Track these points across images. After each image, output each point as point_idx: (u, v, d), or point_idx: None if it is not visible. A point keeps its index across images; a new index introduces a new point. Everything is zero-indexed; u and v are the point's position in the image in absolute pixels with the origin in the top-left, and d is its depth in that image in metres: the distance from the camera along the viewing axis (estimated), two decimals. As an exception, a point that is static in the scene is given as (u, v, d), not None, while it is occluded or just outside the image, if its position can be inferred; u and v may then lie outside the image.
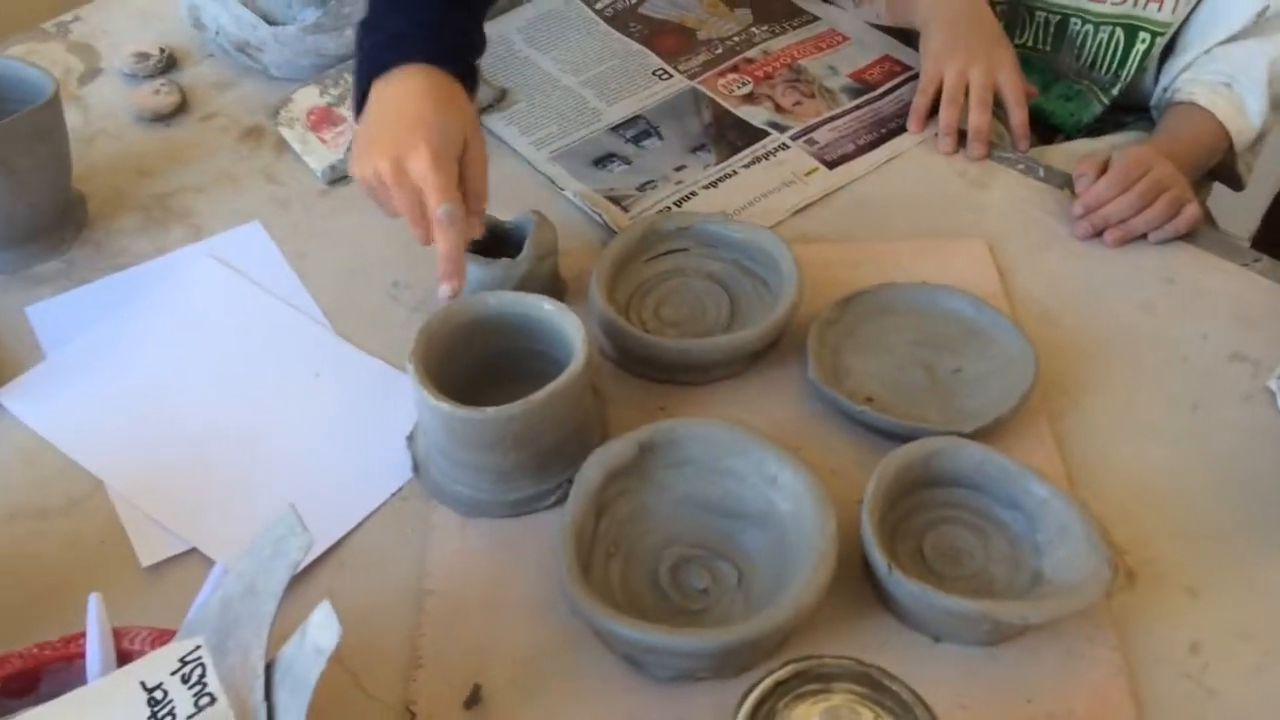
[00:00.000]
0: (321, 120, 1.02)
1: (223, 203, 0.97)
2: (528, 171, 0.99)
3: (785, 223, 0.93)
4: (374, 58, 0.77)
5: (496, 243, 0.83)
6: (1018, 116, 1.02)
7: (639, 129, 1.03)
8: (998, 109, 1.02)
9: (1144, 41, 1.06)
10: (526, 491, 0.73)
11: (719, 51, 1.12)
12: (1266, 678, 0.65)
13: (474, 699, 0.65)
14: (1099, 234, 0.91)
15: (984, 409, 0.76)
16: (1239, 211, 1.26)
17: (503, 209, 0.85)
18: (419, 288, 0.88)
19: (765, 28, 1.15)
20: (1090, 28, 1.09)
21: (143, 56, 1.09)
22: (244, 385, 0.83)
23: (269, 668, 0.54)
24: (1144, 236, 0.91)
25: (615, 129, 1.03)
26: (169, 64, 1.10)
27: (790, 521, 0.68)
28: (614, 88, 1.07)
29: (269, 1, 1.07)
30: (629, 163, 0.99)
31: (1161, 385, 0.81)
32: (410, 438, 0.77)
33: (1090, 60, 1.11)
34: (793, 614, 0.61)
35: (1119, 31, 1.07)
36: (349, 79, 1.04)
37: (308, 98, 1.04)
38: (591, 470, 0.69)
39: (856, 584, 0.69)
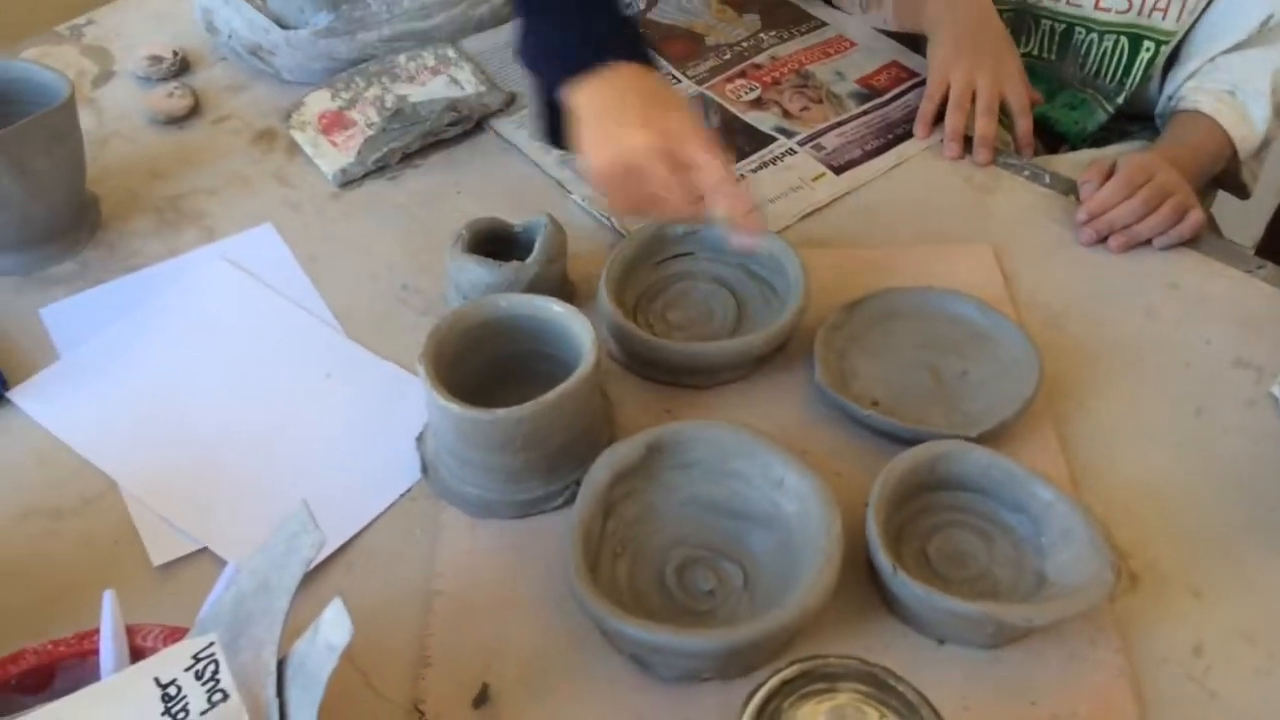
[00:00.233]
0: (333, 124, 1.03)
1: (235, 205, 0.98)
2: (537, 174, 1.00)
3: (792, 227, 0.94)
4: (575, 59, 0.77)
5: (506, 245, 0.84)
6: (1022, 125, 1.03)
7: (647, 133, 1.04)
8: (1003, 117, 1.03)
9: (1148, 50, 1.07)
10: (535, 492, 0.73)
11: (727, 57, 1.12)
12: (1269, 680, 0.66)
13: (482, 698, 0.65)
14: (1103, 240, 0.92)
15: (989, 412, 0.76)
16: (1244, 219, 1.26)
17: (512, 212, 0.86)
18: (428, 291, 0.89)
19: (773, 33, 1.16)
20: (1095, 36, 1.10)
21: (156, 60, 1.10)
22: (255, 386, 0.83)
23: (281, 664, 0.54)
24: (1149, 242, 0.92)
25: (624, 133, 1.03)
26: (182, 67, 1.11)
27: (796, 523, 0.68)
28: (622, 92, 1.08)
29: (281, 6, 1.08)
30: (637, 167, 1.00)
31: (1165, 390, 0.82)
32: (420, 439, 0.78)
33: (1095, 69, 1.11)
34: (798, 615, 0.62)
35: (1123, 40, 1.08)
36: (360, 83, 1.06)
37: (319, 101, 1.05)
38: (599, 471, 0.69)
39: (862, 586, 0.69)
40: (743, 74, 1.10)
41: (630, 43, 0.79)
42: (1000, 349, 0.81)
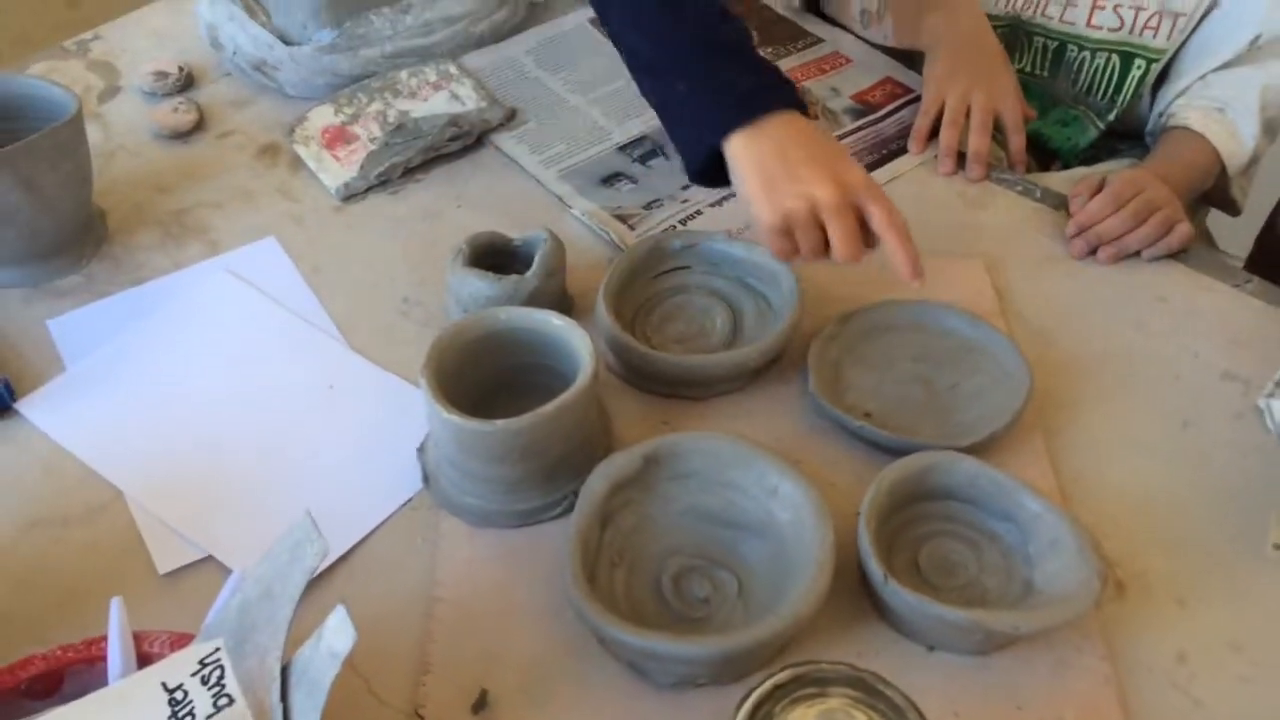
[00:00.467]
0: (336, 138, 1.05)
1: (239, 219, 0.99)
2: (536, 189, 1.01)
3: (788, 241, 0.95)
4: (734, 111, 0.79)
5: (506, 259, 0.85)
6: (1016, 141, 1.04)
7: (646, 148, 1.05)
8: (996, 134, 1.04)
9: (1139, 68, 1.09)
10: (534, 502, 0.75)
11: (724, 73, 1.14)
12: (1253, 688, 0.67)
13: (481, 704, 0.66)
14: (1093, 252, 0.94)
15: (979, 424, 0.78)
16: (1237, 235, 1.28)
17: (512, 226, 0.88)
18: (429, 304, 0.91)
19: (770, 50, 1.17)
20: (1087, 54, 1.11)
21: (161, 75, 1.11)
22: (259, 397, 0.85)
23: (285, 670, 0.56)
24: (1138, 255, 0.93)
25: (623, 148, 1.05)
26: (187, 82, 1.12)
27: (790, 532, 0.70)
28: (621, 108, 1.09)
29: (285, 22, 1.09)
30: (636, 182, 1.02)
31: (1154, 402, 0.83)
32: (421, 449, 0.79)
33: (1087, 86, 1.13)
34: (791, 622, 0.63)
35: (1115, 58, 1.10)
36: (362, 98, 1.07)
37: (322, 116, 1.06)
38: (597, 482, 0.71)
39: (853, 594, 0.70)
40: (739, 90, 1.12)
41: (781, 90, 0.81)
42: (991, 362, 0.82)
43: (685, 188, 1.01)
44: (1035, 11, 1.13)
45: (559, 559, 0.69)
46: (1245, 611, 0.71)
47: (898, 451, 0.75)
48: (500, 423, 0.69)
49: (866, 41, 1.19)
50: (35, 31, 2.09)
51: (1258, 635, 0.69)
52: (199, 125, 1.08)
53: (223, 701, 0.55)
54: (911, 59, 1.15)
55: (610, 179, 1.02)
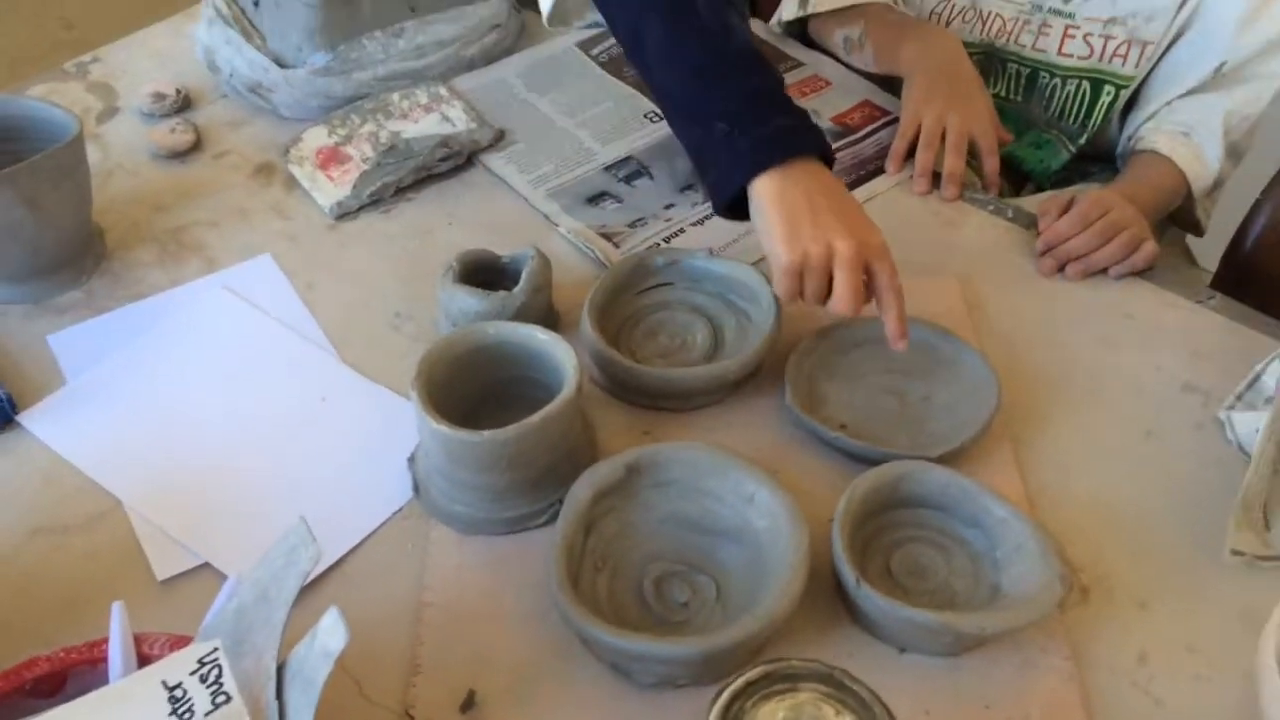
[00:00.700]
0: (329, 159, 1.07)
1: (235, 236, 1.01)
2: (524, 208, 1.04)
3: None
4: (771, 150, 0.81)
5: (495, 276, 0.88)
6: (990, 164, 1.07)
7: (631, 169, 1.08)
8: (971, 159, 1.07)
9: (1109, 94, 1.12)
10: (520, 510, 0.77)
11: (707, 95, 1.17)
12: (1208, 687, 0.70)
13: (469, 704, 0.69)
14: (1061, 269, 0.97)
15: (950, 434, 0.81)
16: (1211, 253, 1.31)
17: (500, 244, 0.90)
18: (420, 319, 0.93)
19: (751, 73, 1.20)
20: (1059, 80, 1.15)
21: (159, 96, 1.14)
22: (254, 409, 0.87)
23: (280, 669, 0.57)
24: (1105, 273, 0.96)
25: (608, 169, 1.08)
26: (184, 104, 1.15)
27: (766, 538, 0.72)
28: (608, 129, 1.12)
29: (280, 46, 1.12)
30: (621, 201, 1.05)
31: (1118, 413, 0.86)
32: (411, 460, 0.82)
33: (1059, 111, 1.16)
34: (766, 623, 0.66)
35: (1085, 84, 1.13)
36: (355, 119, 1.10)
37: (316, 137, 1.09)
38: (581, 490, 0.73)
39: (828, 598, 0.73)
40: (722, 112, 1.15)
41: (812, 135, 0.84)
42: (962, 374, 0.85)
43: (668, 207, 1.04)
44: (1009, 40, 1.16)
45: (545, 565, 0.71)
46: (1202, 615, 0.73)
47: (872, 461, 0.77)
48: (488, 433, 0.72)
49: (847, 66, 1.22)
50: (32, 52, 2.12)
51: (1214, 637, 0.72)
52: (196, 145, 1.10)
53: (220, 699, 0.57)
54: (890, 82, 1.18)
55: (596, 198, 1.05)
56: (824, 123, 1.14)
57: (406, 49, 1.15)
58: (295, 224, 1.03)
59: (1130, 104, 1.13)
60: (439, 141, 1.06)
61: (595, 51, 1.22)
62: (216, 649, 0.59)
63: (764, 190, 0.81)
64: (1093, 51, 1.12)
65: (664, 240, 1.00)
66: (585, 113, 1.14)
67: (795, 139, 0.82)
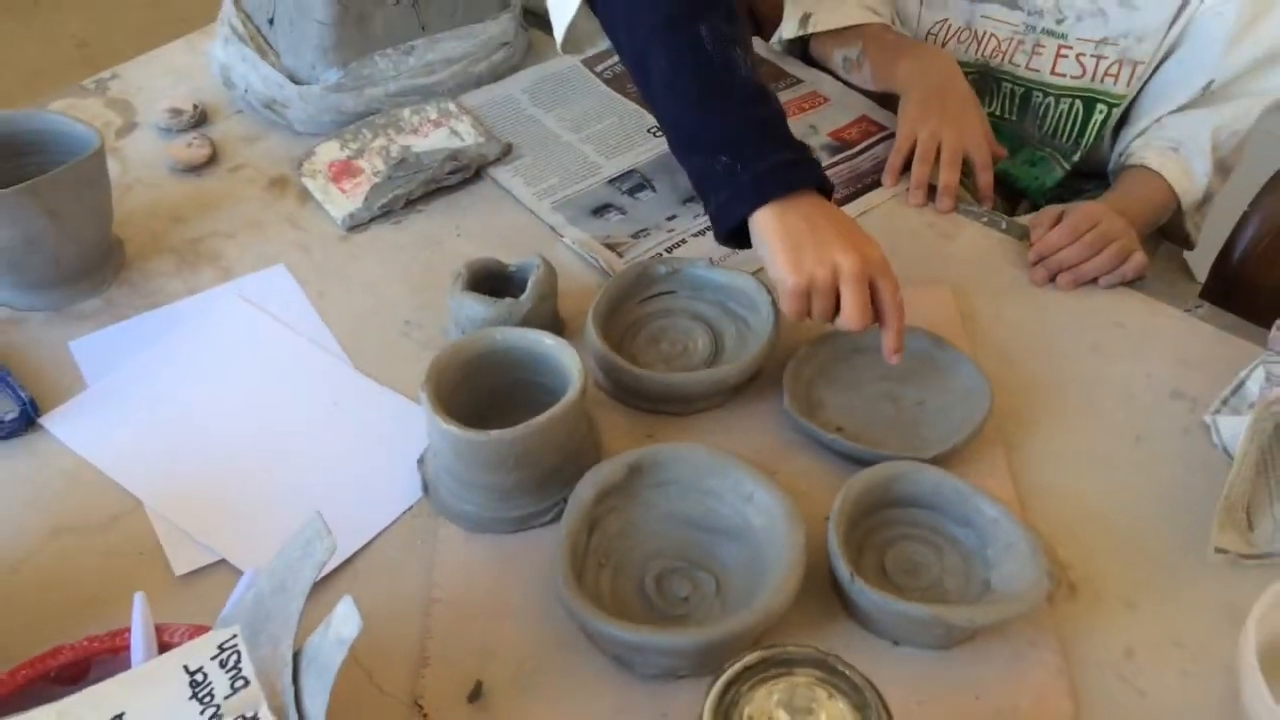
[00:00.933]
0: (341, 172, 1.10)
1: (250, 247, 1.04)
2: (531, 219, 1.07)
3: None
4: (774, 182, 0.84)
5: (502, 284, 0.91)
6: (983, 179, 1.09)
7: (634, 182, 1.11)
8: (965, 178, 1.09)
9: (1101, 112, 1.15)
10: (526, 509, 0.79)
11: (709, 112, 1.20)
12: (1192, 681, 0.72)
13: (476, 694, 0.71)
14: (1053, 279, 0.99)
15: (943, 437, 0.83)
16: (1204, 266, 1.34)
17: (507, 253, 0.93)
18: (429, 326, 0.96)
19: (752, 90, 1.23)
20: (1052, 99, 1.17)
21: (176, 112, 1.16)
22: (269, 414, 0.89)
23: (296, 656, 0.60)
24: (1096, 283, 0.99)
25: (612, 181, 1.11)
26: (201, 119, 1.18)
27: (764, 536, 0.74)
28: (612, 144, 1.15)
29: (294, 63, 1.15)
30: (624, 213, 1.07)
31: (1108, 419, 0.88)
32: (421, 461, 0.84)
33: (1052, 129, 1.19)
34: (763, 616, 0.68)
35: (1078, 103, 1.16)
36: (367, 134, 1.13)
37: (329, 151, 1.12)
38: (585, 489, 0.76)
39: (824, 593, 0.75)
40: (724, 127, 1.17)
41: (812, 168, 0.86)
42: (955, 380, 0.88)
43: (670, 218, 1.06)
44: (1003, 59, 1.19)
45: (550, 561, 0.74)
46: (1188, 611, 0.76)
47: (867, 462, 0.79)
48: (495, 433, 0.74)
49: (845, 83, 1.25)
50: (48, 69, 2.16)
51: (1198, 633, 0.74)
52: (212, 159, 1.13)
53: (239, 684, 0.60)
54: (887, 99, 1.20)
55: (600, 210, 1.07)
56: (822, 138, 1.17)
57: (417, 66, 1.18)
58: (308, 235, 1.06)
59: (1122, 121, 1.16)
60: (448, 155, 1.09)
61: (599, 68, 1.25)
62: (236, 635, 0.61)
63: (765, 221, 0.83)
64: (1085, 71, 1.14)
65: (666, 250, 1.03)
66: (590, 127, 1.17)
67: (796, 173, 0.85)
